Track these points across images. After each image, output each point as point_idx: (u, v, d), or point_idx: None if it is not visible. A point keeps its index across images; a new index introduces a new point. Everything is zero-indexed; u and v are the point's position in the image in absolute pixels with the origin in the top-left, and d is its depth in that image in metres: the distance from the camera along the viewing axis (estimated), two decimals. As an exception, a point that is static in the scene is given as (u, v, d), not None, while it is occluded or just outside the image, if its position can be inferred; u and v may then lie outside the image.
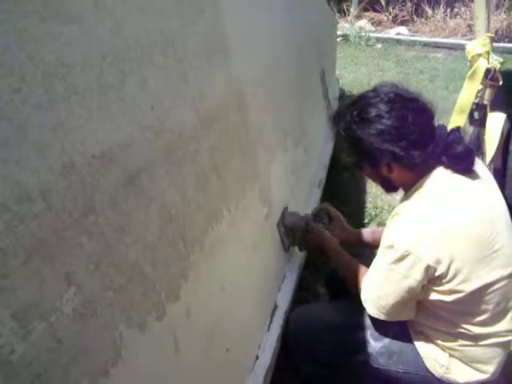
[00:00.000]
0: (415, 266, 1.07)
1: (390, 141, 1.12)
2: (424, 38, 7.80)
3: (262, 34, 1.64)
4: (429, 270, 1.06)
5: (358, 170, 1.33)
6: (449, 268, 1.05)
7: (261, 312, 1.38)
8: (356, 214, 2.61)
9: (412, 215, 1.13)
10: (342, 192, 2.91)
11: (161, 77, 0.88)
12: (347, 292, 1.38)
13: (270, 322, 1.38)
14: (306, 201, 2.14)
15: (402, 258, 1.08)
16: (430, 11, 8.68)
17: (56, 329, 0.55)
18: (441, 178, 1.14)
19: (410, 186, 1.20)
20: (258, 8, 1.61)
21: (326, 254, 1.51)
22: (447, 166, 1.14)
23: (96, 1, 0.68)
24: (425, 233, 1.07)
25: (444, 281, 1.08)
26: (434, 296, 1.12)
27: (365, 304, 1.24)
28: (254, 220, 1.35)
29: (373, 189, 3.06)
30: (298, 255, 1.78)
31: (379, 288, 1.18)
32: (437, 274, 1.06)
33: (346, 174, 3.22)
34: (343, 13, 9.08)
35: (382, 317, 1.20)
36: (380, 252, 1.17)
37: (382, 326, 1.29)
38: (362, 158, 1.24)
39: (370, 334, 1.31)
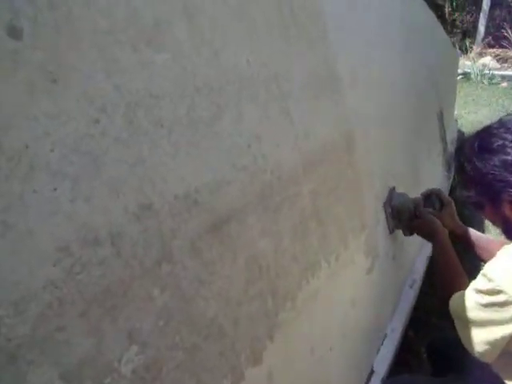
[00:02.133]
0: (505, 306, 0.92)
1: None
2: (561, 77, 7.07)
3: (376, 72, 1.53)
4: None
5: (477, 210, 1.19)
6: None
7: (355, 378, 1.21)
8: (474, 266, 2.35)
9: None
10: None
11: (261, 112, 0.80)
12: (450, 366, 1.19)
13: (365, 389, 1.22)
14: (417, 252, 1.93)
15: (492, 293, 0.95)
16: None
17: (110, 395, 0.48)
18: None
19: None
20: (373, 45, 1.51)
21: (432, 244, 1.38)
22: None
23: (193, 30, 0.63)
24: None
25: None
26: None
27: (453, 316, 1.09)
28: (354, 274, 1.21)
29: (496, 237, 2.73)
30: (403, 313, 1.58)
31: (464, 311, 1.03)
32: None
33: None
34: (465, 50, 8.62)
35: (464, 342, 1.04)
36: (478, 276, 1.04)
37: None
38: (483, 193, 1.10)
39: None
